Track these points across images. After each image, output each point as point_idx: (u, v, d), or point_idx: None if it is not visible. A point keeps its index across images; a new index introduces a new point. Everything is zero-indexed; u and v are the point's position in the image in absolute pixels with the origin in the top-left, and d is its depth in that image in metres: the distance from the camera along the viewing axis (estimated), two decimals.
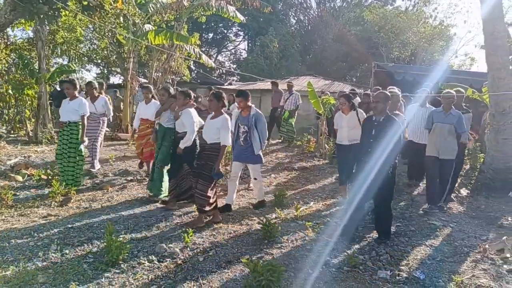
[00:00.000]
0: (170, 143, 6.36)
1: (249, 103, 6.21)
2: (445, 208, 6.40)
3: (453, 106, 6.44)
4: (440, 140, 6.35)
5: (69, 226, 5.28)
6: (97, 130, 8.19)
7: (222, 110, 5.68)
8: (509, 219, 6.11)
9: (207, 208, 5.46)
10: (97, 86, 8.46)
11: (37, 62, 12.72)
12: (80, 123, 6.99)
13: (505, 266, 4.43)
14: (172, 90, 6.82)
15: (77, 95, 7.10)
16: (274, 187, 7.73)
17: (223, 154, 5.55)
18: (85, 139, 7.14)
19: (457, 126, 6.32)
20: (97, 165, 8.32)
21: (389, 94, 5.17)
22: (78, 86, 7.25)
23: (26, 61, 12.66)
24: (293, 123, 12.44)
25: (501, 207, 6.70)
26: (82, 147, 7.08)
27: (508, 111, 7.55)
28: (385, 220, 5.12)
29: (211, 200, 5.49)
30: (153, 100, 7.65)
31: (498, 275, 4.23)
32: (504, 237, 4.96)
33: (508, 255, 4.65)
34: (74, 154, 6.98)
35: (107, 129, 11.85)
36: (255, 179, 6.42)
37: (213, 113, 5.70)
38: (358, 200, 4.96)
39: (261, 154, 6.26)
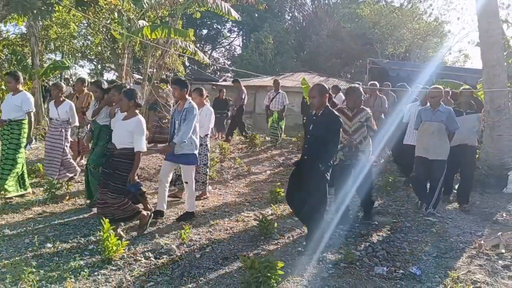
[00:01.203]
0: (106, 142, 5.52)
1: (186, 95, 5.52)
2: (434, 217, 5.84)
3: (442, 103, 6.05)
4: (428, 139, 5.93)
5: (65, 223, 5.25)
6: (60, 141, 6.95)
7: (136, 111, 4.92)
8: (504, 214, 6.15)
9: (134, 208, 4.92)
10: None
11: (30, 57, 12.63)
12: (24, 120, 6.22)
13: (500, 261, 4.46)
14: (105, 85, 6.21)
15: (20, 88, 6.29)
16: (270, 184, 7.73)
17: (138, 162, 4.82)
18: (32, 138, 6.57)
19: (447, 123, 5.87)
20: (76, 171, 7.29)
21: (325, 86, 4.71)
22: (21, 79, 6.37)
23: (19, 57, 12.55)
24: (283, 126, 11.74)
25: (496, 203, 6.75)
26: (23, 149, 6.33)
27: (502, 108, 7.60)
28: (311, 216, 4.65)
29: (128, 208, 4.84)
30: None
31: (493, 270, 4.25)
32: (499, 233, 4.98)
33: (503, 251, 4.68)
34: (12, 156, 6.12)
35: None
36: (186, 182, 5.60)
37: (125, 113, 4.91)
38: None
39: (196, 154, 5.53)
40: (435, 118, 5.91)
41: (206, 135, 6.69)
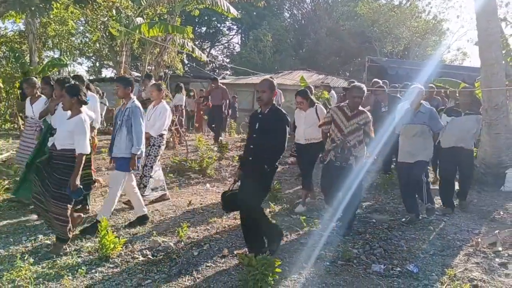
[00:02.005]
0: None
1: (131, 93, 5.15)
2: (433, 210, 5.73)
3: (423, 102, 5.68)
4: (410, 142, 5.56)
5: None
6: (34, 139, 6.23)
7: (82, 109, 4.45)
8: (501, 213, 6.16)
9: (69, 235, 4.40)
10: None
11: (28, 55, 12.60)
12: None
13: (497, 259, 4.47)
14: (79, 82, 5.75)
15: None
16: None
17: (80, 166, 4.26)
18: None
19: (430, 124, 5.52)
20: None
21: (274, 82, 4.32)
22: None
23: (17, 54, 12.53)
24: None
25: (493, 201, 6.76)
26: None
27: (500, 106, 7.60)
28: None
29: (69, 225, 4.38)
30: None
31: (490, 268, 4.26)
32: (496, 231, 5.00)
33: (500, 249, 4.69)
34: None
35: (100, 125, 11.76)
36: (110, 187, 5.19)
37: (69, 112, 4.46)
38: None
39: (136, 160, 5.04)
40: (416, 120, 5.54)
41: (161, 135, 6.14)
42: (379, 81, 9.16)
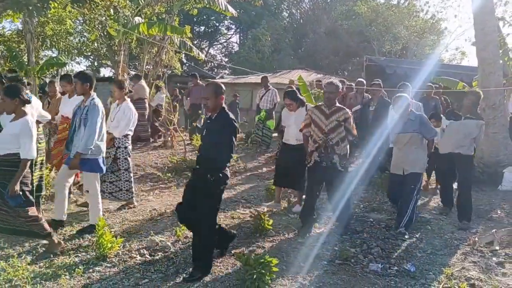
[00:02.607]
0: None
1: (91, 90, 4.85)
2: (406, 236, 5.03)
3: (413, 110, 5.44)
4: (402, 153, 5.27)
5: (59, 220, 5.23)
6: None
7: (26, 110, 4.18)
8: (499, 212, 6.18)
9: (49, 228, 4.24)
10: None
11: (26, 54, 12.55)
12: None
13: (494, 258, 4.49)
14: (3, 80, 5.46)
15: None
16: (266, 180, 7.73)
17: (22, 171, 3.95)
18: None
19: (422, 131, 5.19)
20: None
21: (221, 86, 3.97)
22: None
23: (14, 54, 12.48)
24: (271, 126, 10.29)
25: (491, 200, 6.77)
26: None
27: (498, 105, 7.62)
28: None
29: (40, 220, 4.17)
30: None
31: (487, 267, 4.28)
32: (493, 230, 5.01)
33: (497, 248, 4.71)
34: None
35: None
36: (87, 191, 5.07)
37: (13, 114, 4.14)
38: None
39: (99, 160, 4.84)
40: (407, 128, 5.23)
41: (126, 136, 5.80)
42: (363, 81, 9.08)
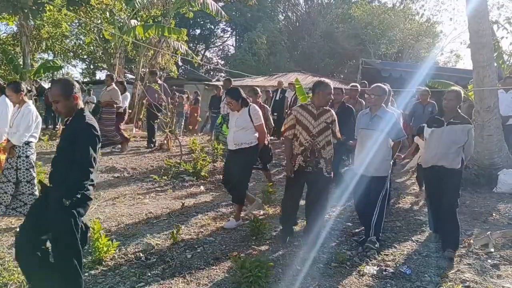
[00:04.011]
0: None
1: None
2: (376, 245, 4.66)
3: (384, 105, 4.83)
4: (366, 152, 4.72)
5: None
6: None
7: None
8: (494, 214, 6.20)
9: None
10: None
11: (22, 57, 12.54)
12: None
13: (489, 260, 4.50)
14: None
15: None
16: (262, 184, 7.73)
17: None
18: None
19: (388, 131, 4.64)
20: None
21: (72, 84, 3.20)
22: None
23: (10, 56, 12.45)
24: (227, 133, 9.85)
25: (486, 202, 6.80)
26: None
27: (492, 108, 7.66)
28: None
29: None
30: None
31: (482, 269, 4.29)
32: (489, 232, 5.02)
33: (492, 250, 4.72)
34: None
35: None
36: None
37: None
38: None
39: None
40: (372, 125, 4.72)
41: (28, 144, 5.13)
42: (357, 85, 9.02)
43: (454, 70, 18.12)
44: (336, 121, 4.82)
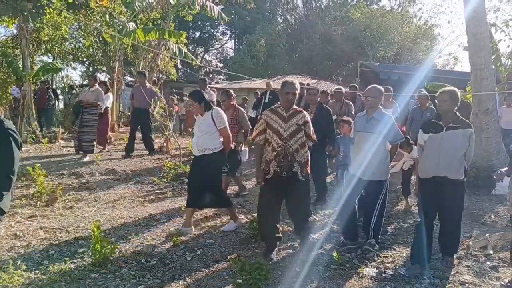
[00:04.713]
0: None
1: None
2: (376, 247, 4.68)
3: (380, 107, 4.73)
4: (362, 155, 4.59)
5: (55, 226, 5.23)
6: None
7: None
8: (492, 216, 6.22)
9: None
10: None
11: (21, 60, 12.55)
12: None
13: (488, 262, 4.52)
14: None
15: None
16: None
17: None
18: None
19: (386, 134, 4.54)
20: None
21: None
22: None
23: (9, 59, 12.48)
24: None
25: (484, 205, 6.82)
26: None
27: (491, 111, 7.70)
28: None
29: None
30: None
31: (481, 271, 4.31)
32: (487, 234, 5.05)
33: (491, 252, 4.75)
34: None
35: None
36: None
37: None
38: None
39: None
40: (369, 127, 4.62)
41: None
42: (341, 88, 9.02)
43: (453, 72, 18.19)
44: (310, 122, 4.57)
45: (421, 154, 4.47)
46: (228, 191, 6.89)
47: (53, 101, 15.13)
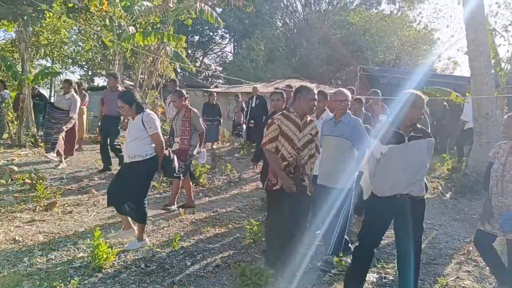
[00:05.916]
0: None
1: None
2: (333, 270, 4.31)
3: (349, 111, 4.47)
4: (328, 159, 4.33)
5: (55, 230, 5.21)
6: None
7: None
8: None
9: None
10: None
11: (20, 63, 12.56)
12: None
13: (488, 267, 4.51)
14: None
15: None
16: (261, 190, 7.72)
17: None
18: None
19: (352, 139, 4.27)
20: None
21: None
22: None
23: (8, 63, 12.46)
24: None
25: None
26: None
27: (490, 115, 7.71)
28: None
29: None
30: None
31: (481, 276, 4.31)
32: None
33: None
34: None
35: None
36: None
37: None
38: None
39: None
40: (336, 131, 4.35)
41: None
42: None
43: (452, 77, 18.21)
44: (319, 133, 4.30)
45: (375, 169, 3.69)
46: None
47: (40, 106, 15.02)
